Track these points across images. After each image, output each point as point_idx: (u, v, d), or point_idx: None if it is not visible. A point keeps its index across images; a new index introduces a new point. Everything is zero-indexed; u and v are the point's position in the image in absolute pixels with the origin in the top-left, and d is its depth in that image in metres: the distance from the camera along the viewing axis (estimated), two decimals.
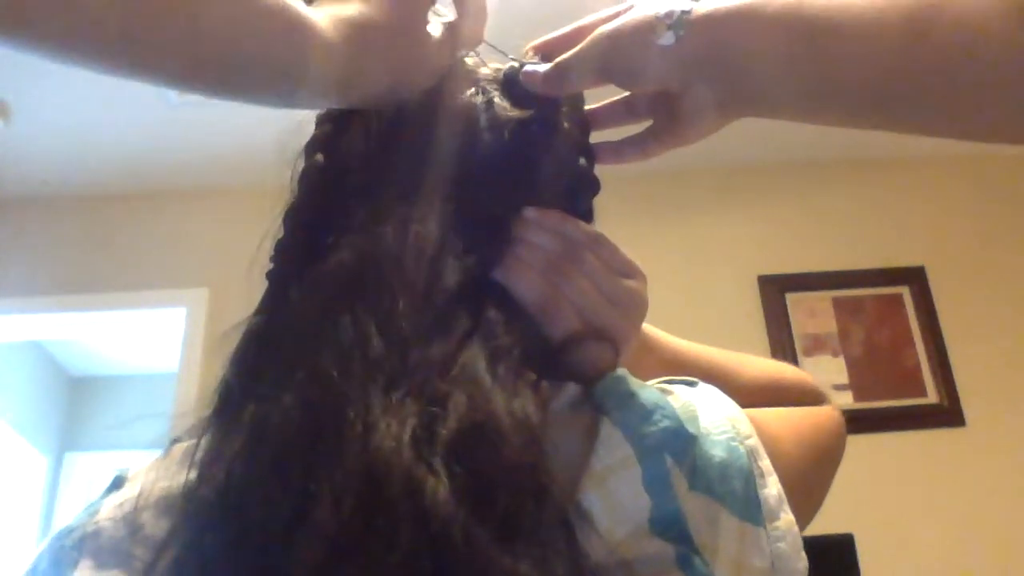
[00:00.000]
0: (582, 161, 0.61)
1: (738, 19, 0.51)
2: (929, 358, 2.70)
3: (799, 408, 0.66)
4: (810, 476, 0.57)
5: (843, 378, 2.69)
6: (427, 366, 0.44)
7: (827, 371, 2.70)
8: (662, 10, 0.53)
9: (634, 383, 0.50)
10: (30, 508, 4.13)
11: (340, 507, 0.38)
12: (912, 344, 2.74)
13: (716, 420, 0.48)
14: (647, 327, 0.68)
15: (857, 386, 2.68)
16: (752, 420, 0.50)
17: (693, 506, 0.44)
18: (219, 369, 0.49)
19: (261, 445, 0.42)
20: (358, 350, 0.44)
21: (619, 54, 0.56)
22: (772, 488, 0.47)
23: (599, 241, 0.57)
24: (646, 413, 0.47)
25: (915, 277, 2.82)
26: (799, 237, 2.93)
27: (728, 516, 0.45)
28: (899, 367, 2.71)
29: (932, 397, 2.66)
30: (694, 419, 0.47)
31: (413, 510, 0.38)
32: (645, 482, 0.44)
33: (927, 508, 2.50)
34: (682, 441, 0.46)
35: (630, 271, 0.58)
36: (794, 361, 2.70)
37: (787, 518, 0.47)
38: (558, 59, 0.59)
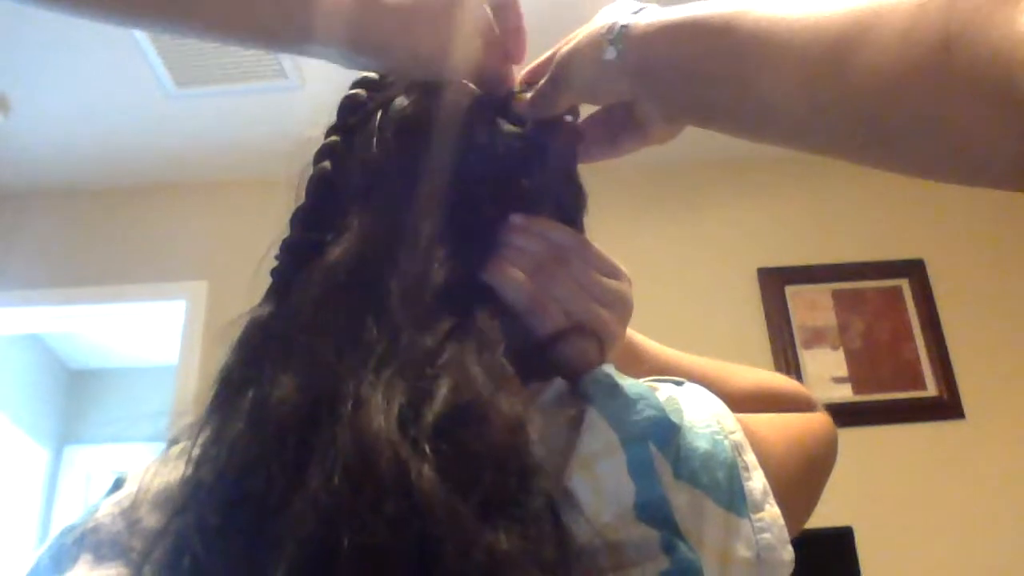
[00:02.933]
0: (570, 173, 0.65)
1: (671, 36, 0.52)
2: (928, 351, 2.70)
3: (788, 414, 0.68)
4: (799, 480, 0.59)
5: (842, 371, 2.69)
6: (417, 352, 0.47)
7: (826, 364, 2.70)
8: (606, 25, 0.55)
9: (619, 376, 0.51)
10: (30, 501, 4.14)
11: (330, 478, 0.40)
12: (911, 337, 2.74)
13: (700, 414, 0.50)
14: (638, 337, 0.71)
15: (856, 379, 2.68)
16: (740, 421, 0.52)
17: (678, 494, 0.45)
18: (220, 360, 0.51)
19: (259, 425, 0.44)
20: (352, 336, 0.47)
21: (576, 73, 0.59)
22: (757, 481, 0.49)
23: (584, 244, 0.60)
24: (630, 403, 0.49)
25: (915, 270, 2.83)
26: (799, 230, 2.93)
27: (713, 506, 0.46)
28: (898, 360, 2.71)
29: (931, 390, 2.66)
30: (678, 411, 0.49)
31: (399, 483, 0.40)
32: (629, 467, 0.45)
33: (926, 501, 2.51)
34: (665, 430, 0.47)
35: (614, 272, 0.60)
36: (793, 353, 2.71)
37: (772, 511, 0.48)
38: (537, 87, 0.62)
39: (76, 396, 4.55)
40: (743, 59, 0.47)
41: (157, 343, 3.81)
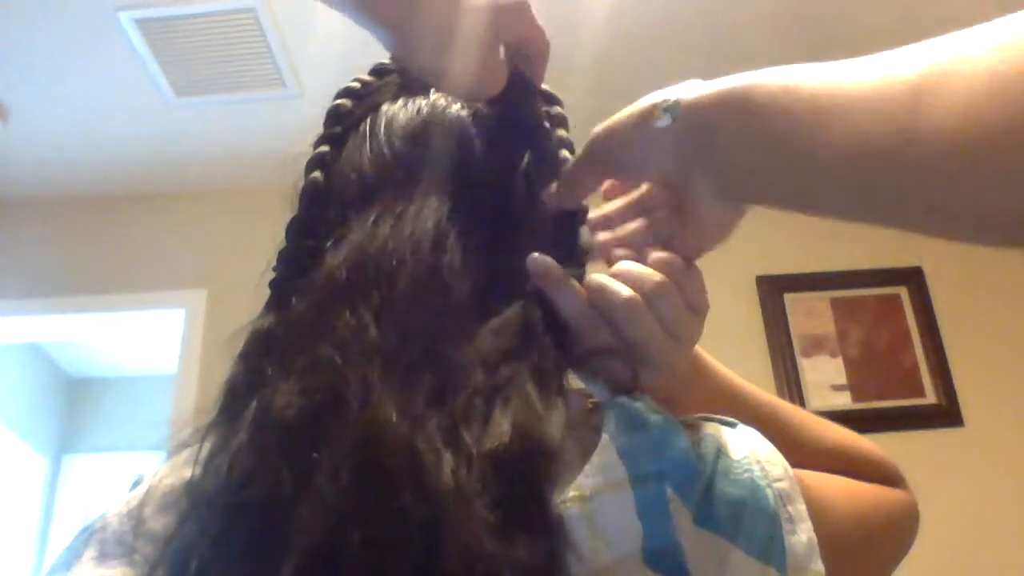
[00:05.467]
0: (565, 154, 0.63)
1: (726, 106, 0.49)
2: (927, 358, 2.70)
3: (861, 482, 0.63)
4: (859, 555, 0.55)
5: (841, 378, 2.69)
6: (430, 351, 0.46)
7: (825, 371, 2.70)
8: (654, 100, 0.53)
9: (650, 408, 0.48)
10: (28, 510, 4.12)
11: (338, 477, 0.40)
12: (910, 344, 2.74)
13: (741, 459, 0.47)
14: (706, 358, 0.65)
15: (855, 386, 2.68)
16: (800, 478, 0.49)
17: (696, 542, 0.43)
18: (223, 372, 0.50)
19: (263, 432, 0.44)
20: (356, 338, 0.46)
21: (617, 143, 0.56)
22: (802, 535, 0.46)
23: (689, 276, 0.56)
24: (652, 439, 0.46)
25: (913, 278, 2.83)
26: (797, 237, 2.93)
27: (742, 556, 0.43)
28: (897, 367, 2.71)
29: (930, 397, 2.66)
30: (712, 454, 0.46)
31: (412, 476, 0.40)
32: (638, 508, 0.43)
33: (925, 508, 2.48)
34: (687, 472, 0.44)
35: (703, 306, 0.56)
36: (792, 361, 2.70)
37: (816, 569, 0.45)
38: (564, 172, 0.60)
39: (75, 404, 4.54)
40: (803, 125, 0.44)
41: (156, 352, 3.81)
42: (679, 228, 0.57)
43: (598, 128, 0.57)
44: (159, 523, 0.47)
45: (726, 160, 0.51)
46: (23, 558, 3.98)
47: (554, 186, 0.60)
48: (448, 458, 0.40)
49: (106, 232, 3.07)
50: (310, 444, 0.42)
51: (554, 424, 0.44)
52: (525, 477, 0.42)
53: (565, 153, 0.63)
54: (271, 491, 0.41)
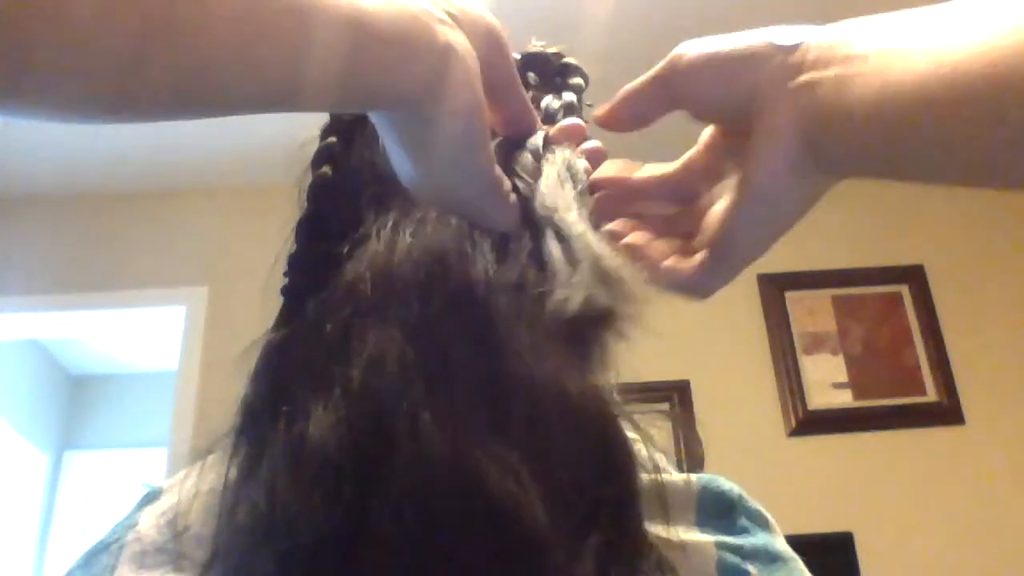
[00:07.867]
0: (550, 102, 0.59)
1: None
2: (928, 356, 2.70)
3: None
4: None
5: (842, 376, 2.69)
6: (471, 369, 0.42)
7: (827, 369, 2.70)
8: (779, 37, 0.47)
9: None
10: (30, 507, 4.13)
11: (402, 516, 0.37)
12: (911, 342, 2.74)
13: None
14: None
15: (856, 384, 2.68)
16: None
17: None
18: (229, 374, 0.47)
19: (301, 467, 0.40)
20: (392, 360, 0.41)
21: (708, 70, 0.48)
22: None
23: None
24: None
25: (914, 276, 2.83)
26: (798, 236, 2.88)
27: None
28: (898, 365, 2.71)
29: (931, 395, 2.66)
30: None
31: (488, 517, 0.37)
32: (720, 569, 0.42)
33: (926, 506, 2.50)
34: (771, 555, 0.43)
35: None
36: (793, 359, 2.70)
37: None
38: (627, 88, 0.51)
39: (76, 402, 4.55)
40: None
41: (158, 349, 3.81)
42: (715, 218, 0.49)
43: (686, 50, 0.49)
44: (207, 528, 0.43)
45: (836, 89, 0.43)
46: (24, 556, 3.98)
47: (604, 106, 0.51)
48: (527, 497, 0.37)
49: (107, 229, 3.07)
50: (359, 482, 0.38)
51: (638, 457, 0.43)
52: (616, 515, 0.39)
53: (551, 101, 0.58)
54: (321, 535, 0.38)
